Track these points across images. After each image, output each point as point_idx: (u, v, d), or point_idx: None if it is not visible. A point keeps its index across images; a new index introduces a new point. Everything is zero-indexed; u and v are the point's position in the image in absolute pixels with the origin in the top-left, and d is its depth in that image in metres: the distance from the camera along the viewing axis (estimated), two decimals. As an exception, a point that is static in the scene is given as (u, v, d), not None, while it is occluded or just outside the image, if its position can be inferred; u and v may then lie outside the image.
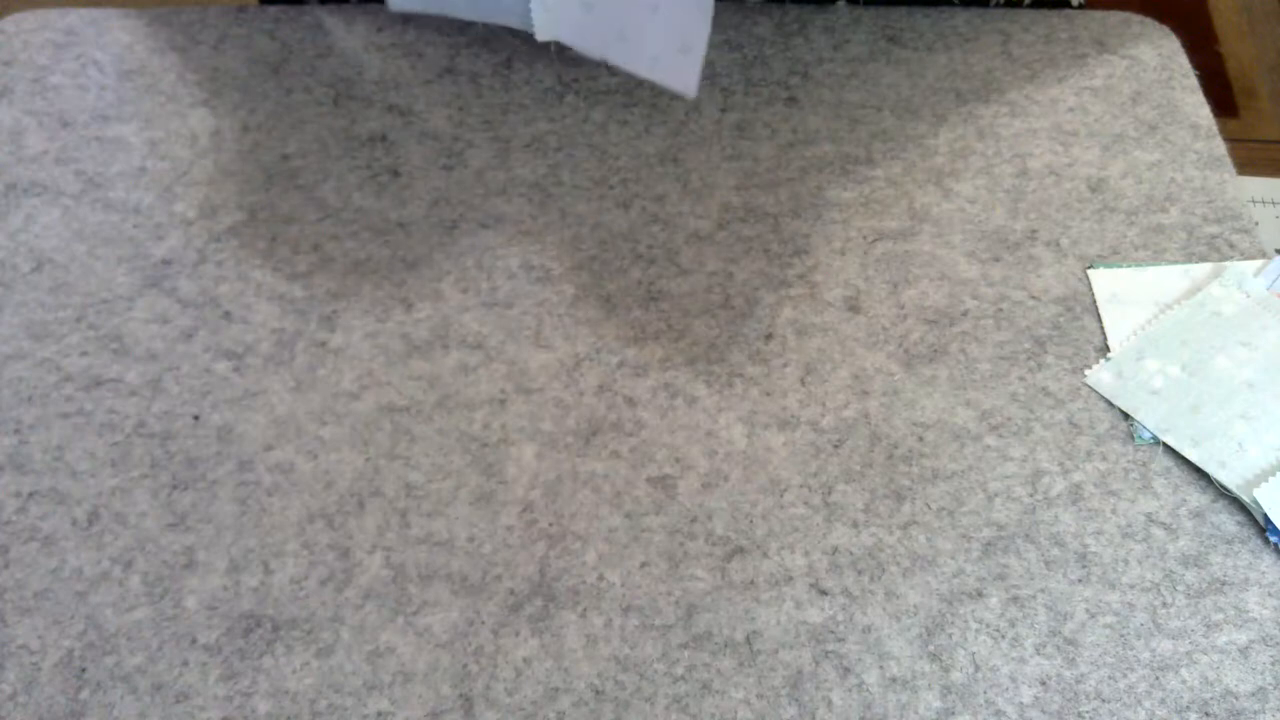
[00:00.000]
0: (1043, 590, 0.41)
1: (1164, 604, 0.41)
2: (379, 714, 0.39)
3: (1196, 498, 0.43)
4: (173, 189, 0.52)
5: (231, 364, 0.47)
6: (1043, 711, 0.39)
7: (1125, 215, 0.51)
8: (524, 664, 0.40)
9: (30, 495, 0.44)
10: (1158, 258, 0.50)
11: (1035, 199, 0.52)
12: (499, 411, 0.46)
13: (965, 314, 0.48)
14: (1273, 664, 0.40)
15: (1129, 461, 0.44)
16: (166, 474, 0.44)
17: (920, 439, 0.45)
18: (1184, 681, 0.39)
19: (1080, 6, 0.60)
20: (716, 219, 0.51)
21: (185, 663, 0.40)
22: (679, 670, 0.40)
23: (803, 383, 0.47)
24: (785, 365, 0.47)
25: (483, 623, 0.41)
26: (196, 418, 0.46)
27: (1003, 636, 0.40)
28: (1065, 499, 0.43)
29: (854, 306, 0.49)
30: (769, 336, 0.48)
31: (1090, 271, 0.49)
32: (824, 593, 0.41)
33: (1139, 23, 0.58)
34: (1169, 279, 0.49)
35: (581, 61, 0.57)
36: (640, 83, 0.56)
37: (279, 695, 0.39)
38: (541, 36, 0.52)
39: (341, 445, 0.45)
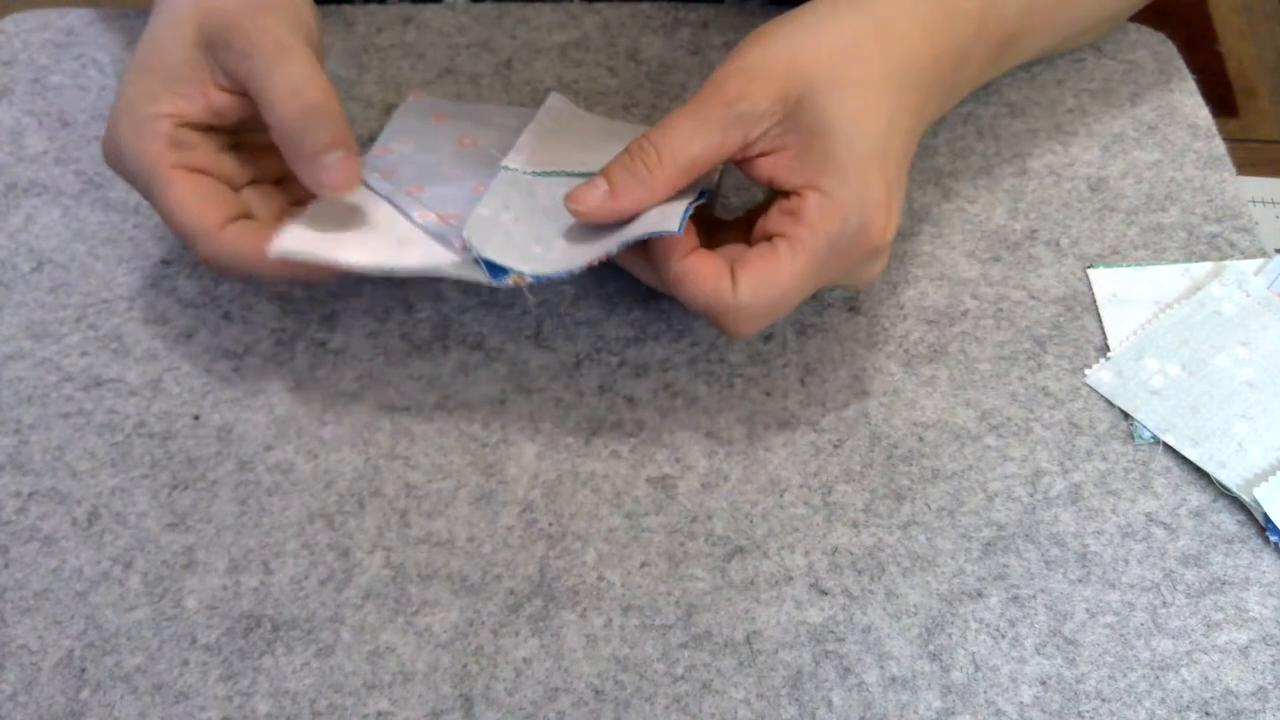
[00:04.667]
0: (1043, 590, 0.41)
1: (1164, 603, 0.41)
2: (379, 714, 0.39)
3: (1196, 497, 0.43)
4: (173, 189, 0.52)
5: (231, 364, 0.47)
6: (1043, 711, 0.39)
7: (1125, 215, 0.51)
8: (524, 664, 0.40)
9: (30, 495, 0.44)
10: (1158, 257, 0.50)
11: (1035, 199, 0.52)
12: (499, 411, 0.46)
13: (965, 314, 0.48)
14: (1273, 663, 0.40)
15: (1129, 461, 0.44)
16: (166, 474, 0.44)
17: (920, 439, 0.45)
18: (1184, 681, 0.39)
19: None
20: (716, 219, 0.51)
21: (185, 663, 0.40)
22: (679, 670, 0.40)
23: (803, 383, 0.47)
24: (785, 365, 0.47)
25: (483, 623, 0.41)
26: (196, 418, 0.46)
27: (1003, 636, 0.40)
28: (1065, 499, 0.43)
29: (854, 307, 0.49)
30: (769, 337, 0.48)
31: (1090, 271, 0.49)
32: (824, 593, 0.41)
33: (1135, 30, 0.58)
34: (1169, 278, 0.49)
35: (582, 62, 0.57)
36: (640, 84, 0.56)
37: (279, 695, 0.39)
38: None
39: (341, 445, 0.45)
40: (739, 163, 0.42)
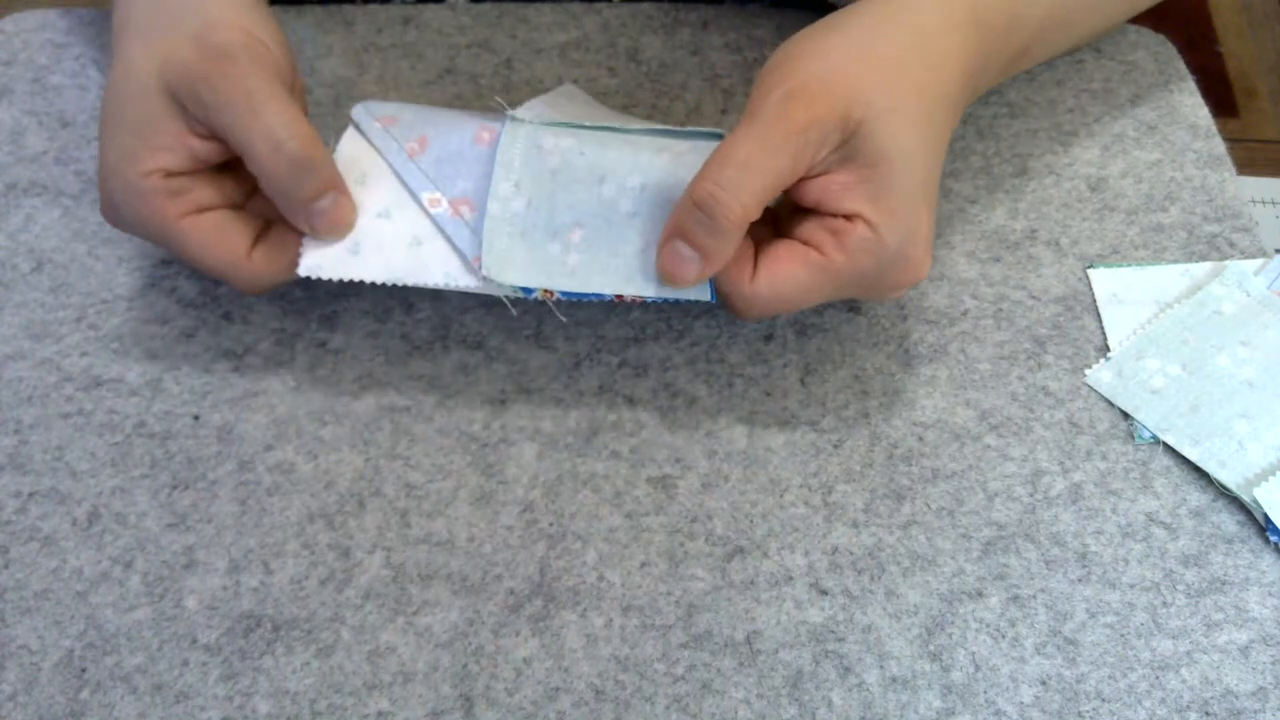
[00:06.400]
0: (1043, 590, 0.41)
1: (1164, 603, 0.41)
2: (379, 714, 0.39)
3: (1196, 497, 0.43)
4: (173, 189, 0.52)
5: (231, 364, 0.47)
6: (1043, 711, 0.39)
7: (1125, 215, 0.51)
8: (524, 664, 0.40)
9: (30, 495, 0.44)
10: (1158, 257, 0.50)
11: (1035, 199, 0.52)
12: (499, 411, 0.46)
13: (965, 314, 0.48)
14: (1273, 663, 0.40)
15: (1129, 461, 0.44)
16: (166, 474, 0.44)
17: (920, 439, 0.45)
18: (1184, 681, 0.39)
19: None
20: (716, 219, 0.51)
21: (185, 663, 0.40)
22: (679, 670, 0.40)
23: (803, 383, 0.47)
24: (785, 365, 0.47)
25: (483, 623, 0.41)
26: (196, 418, 0.46)
27: (1003, 636, 0.40)
28: (1065, 498, 0.43)
29: (854, 307, 0.49)
30: (769, 337, 0.48)
31: (1090, 271, 0.49)
32: (824, 592, 0.41)
33: (1135, 31, 0.58)
34: (1169, 278, 0.49)
35: (582, 62, 0.57)
36: (640, 84, 0.56)
37: (279, 695, 0.39)
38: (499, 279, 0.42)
39: (341, 445, 0.45)
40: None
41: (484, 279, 0.42)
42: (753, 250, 0.41)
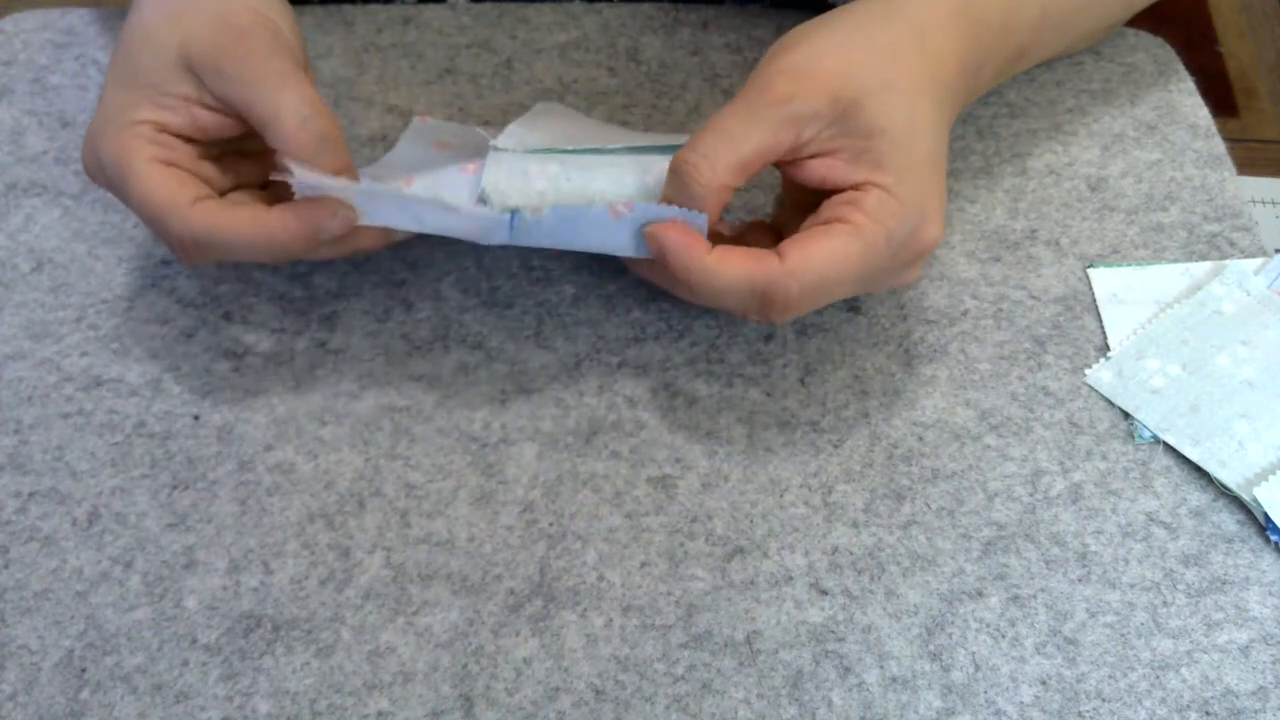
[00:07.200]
0: (1043, 590, 0.41)
1: (1164, 603, 0.41)
2: (379, 714, 0.39)
3: (1197, 497, 0.43)
4: (173, 189, 0.52)
5: (231, 364, 0.47)
6: (1043, 711, 0.39)
7: (1125, 214, 0.51)
8: (524, 664, 0.40)
9: (30, 495, 0.44)
10: (1158, 256, 0.50)
11: (1035, 198, 0.52)
12: (499, 411, 0.46)
13: (965, 314, 0.48)
14: (1273, 663, 0.40)
15: (1129, 461, 0.44)
16: (166, 474, 0.44)
17: (920, 439, 0.45)
18: (1184, 680, 0.39)
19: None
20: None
21: (185, 663, 0.40)
22: (679, 670, 0.40)
23: (803, 383, 0.47)
24: (785, 365, 0.47)
25: (483, 623, 0.41)
26: (196, 418, 0.46)
27: (1003, 636, 0.40)
28: (1065, 498, 0.43)
29: (854, 306, 0.49)
30: (769, 337, 0.48)
31: (1090, 271, 0.49)
32: (824, 592, 0.41)
33: (1134, 35, 0.58)
34: (1169, 278, 0.49)
35: (582, 62, 0.57)
36: (640, 84, 0.56)
37: (279, 695, 0.39)
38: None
39: (341, 445, 0.45)
40: (785, 165, 0.41)
41: (479, 200, 0.43)
42: (770, 250, 0.40)
